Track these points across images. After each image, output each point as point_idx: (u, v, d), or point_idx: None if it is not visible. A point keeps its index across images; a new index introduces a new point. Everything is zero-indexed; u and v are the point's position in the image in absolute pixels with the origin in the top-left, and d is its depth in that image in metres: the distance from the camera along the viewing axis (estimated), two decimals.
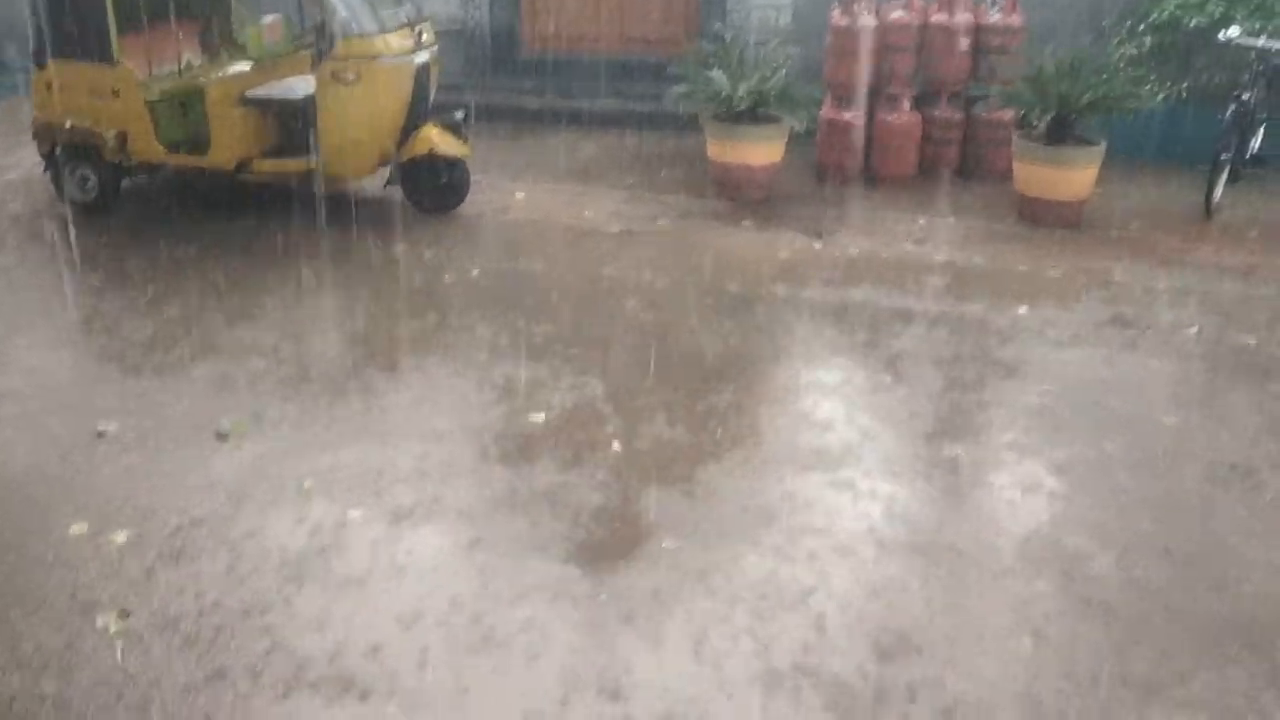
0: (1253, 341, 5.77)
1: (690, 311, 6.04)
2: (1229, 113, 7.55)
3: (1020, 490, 4.35)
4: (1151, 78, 8.13)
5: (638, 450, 4.56)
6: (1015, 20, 8.43)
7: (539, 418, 4.81)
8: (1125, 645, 3.48)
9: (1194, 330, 5.87)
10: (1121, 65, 8.31)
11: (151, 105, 7.25)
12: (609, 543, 3.94)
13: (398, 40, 7.01)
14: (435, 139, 7.28)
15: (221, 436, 4.59)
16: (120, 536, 3.89)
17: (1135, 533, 4.07)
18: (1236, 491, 4.37)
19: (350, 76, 6.81)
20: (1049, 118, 7.57)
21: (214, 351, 5.45)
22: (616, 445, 4.60)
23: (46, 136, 7.43)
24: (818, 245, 7.14)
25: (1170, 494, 4.34)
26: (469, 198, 7.74)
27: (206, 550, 3.81)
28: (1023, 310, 6.08)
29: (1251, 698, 3.28)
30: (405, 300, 6.25)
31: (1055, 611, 3.63)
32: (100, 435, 4.62)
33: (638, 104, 10.17)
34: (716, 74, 8.02)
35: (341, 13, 6.74)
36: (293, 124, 7.40)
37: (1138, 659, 3.42)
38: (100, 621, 3.45)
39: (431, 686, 3.20)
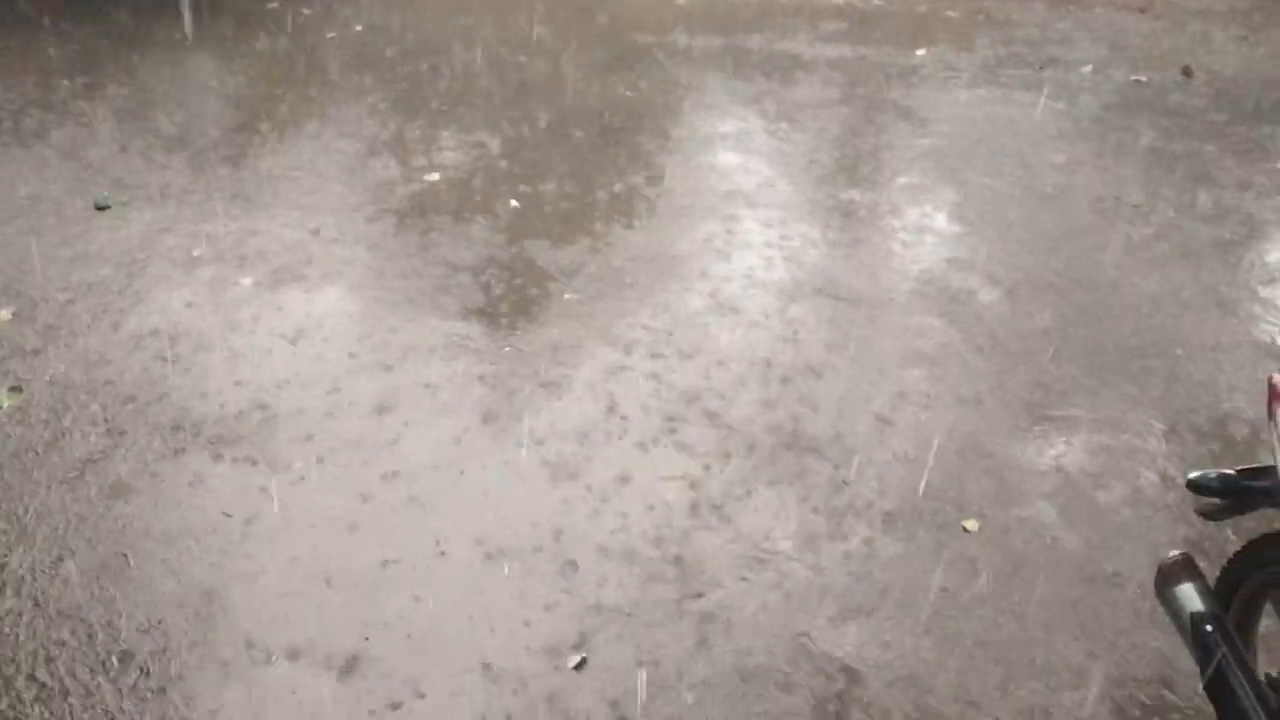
0: (1144, 78, 5.83)
1: (585, 64, 5.86)
2: None
3: (914, 231, 4.42)
4: None
5: (536, 206, 4.51)
6: None
7: (433, 177, 4.70)
8: (1010, 372, 3.64)
9: (1088, 69, 5.89)
10: None
11: None
12: (510, 298, 3.93)
13: None
14: None
15: (101, 208, 4.41)
16: (4, 313, 3.77)
17: (1023, 267, 4.19)
18: (1122, 225, 4.50)
19: None
20: None
21: (83, 121, 5.16)
22: (514, 202, 4.53)
23: None
24: None
25: (1057, 229, 4.46)
26: None
27: (97, 322, 3.72)
28: (920, 53, 6.02)
29: (1125, 415, 3.48)
30: (285, 61, 5.95)
31: (946, 344, 3.76)
32: None
33: None
34: None
35: None
36: None
37: (1022, 384, 3.59)
38: None
39: (335, 442, 3.23)
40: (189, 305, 3.81)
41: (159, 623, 2.64)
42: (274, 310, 3.81)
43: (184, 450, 3.18)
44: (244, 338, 3.66)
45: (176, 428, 3.26)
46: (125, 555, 2.83)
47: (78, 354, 3.57)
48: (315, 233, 4.26)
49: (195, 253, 4.11)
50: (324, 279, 3.98)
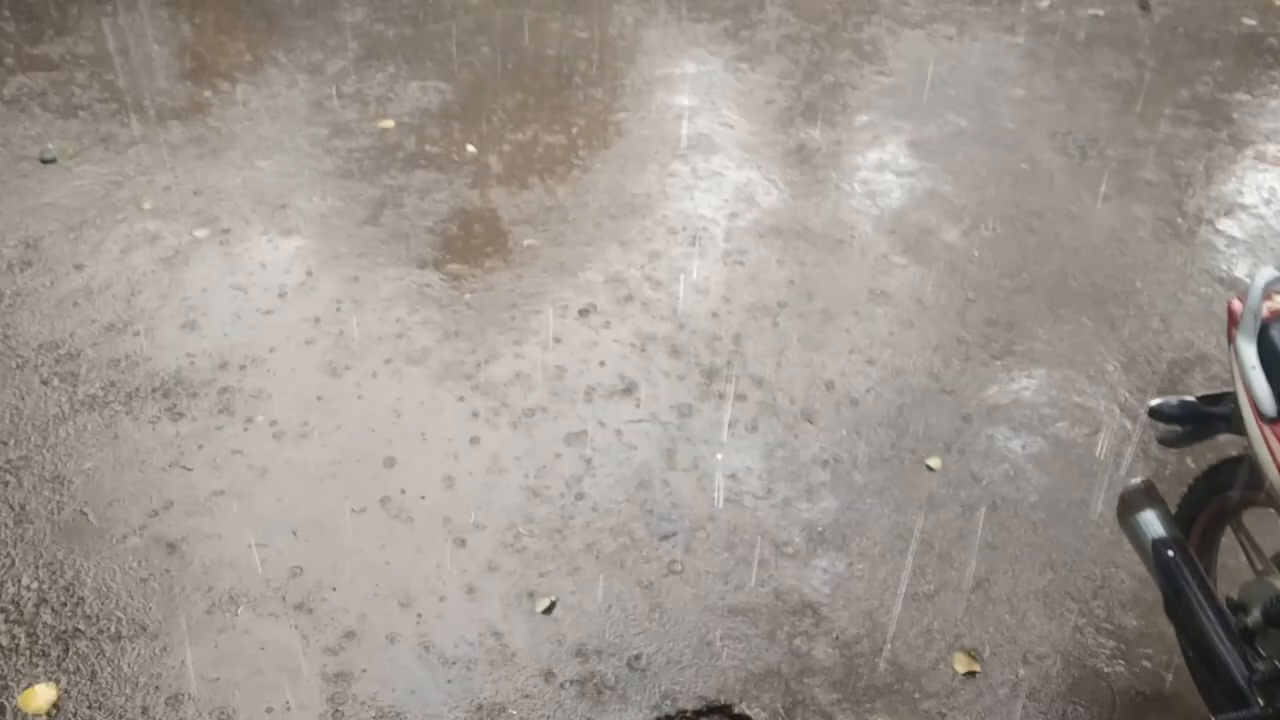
0: (1101, 12, 5.81)
1: (537, 5, 5.76)
2: None
3: (874, 169, 4.40)
4: None
5: (493, 152, 4.44)
6: None
7: (387, 124, 4.61)
8: (971, 308, 3.65)
9: (1045, 3, 5.87)
10: None
11: None
12: (469, 245, 3.89)
13: None
14: None
15: (47, 161, 4.30)
16: None
17: (982, 204, 4.19)
18: (1080, 160, 4.50)
19: None
20: None
21: (23, 70, 5.01)
22: (471, 148, 4.46)
23: None
24: None
25: (1016, 166, 4.45)
26: None
27: (52, 277, 3.63)
28: None
29: (1085, 348, 3.50)
30: (232, 8, 5.80)
31: (907, 281, 3.76)
32: None
33: None
34: None
35: None
36: None
37: (983, 320, 3.60)
38: None
39: (300, 399, 3.19)
40: (144, 257, 3.73)
41: (125, 577, 2.62)
42: (228, 263, 3.74)
43: (147, 407, 3.13)
44: (198, 292, 3.60)
45: (136, 379, 3.21)
46: (85, 513, 2.79)
47: (34, 311, 3.48)
48: (270, 182, 4.18)
49: (146, 205, 4.02)
50: (279, 230, 3.91)
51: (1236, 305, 2.09)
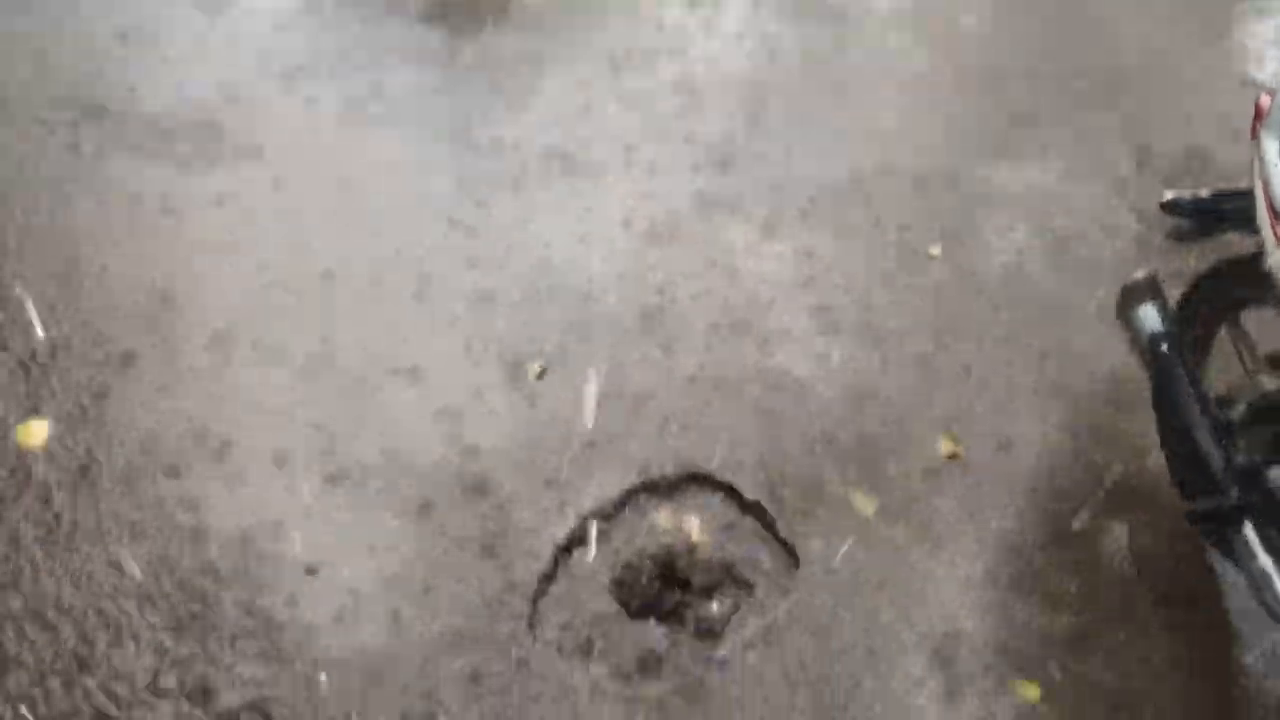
0: None
1: None
2: None
3: None
4: None
5: None
6: None
7: None
8: (985, 98, 3.55)
9: None
10: None
11: None
12: (469, 2, 3.73)
13: None
14: None
15: None
16: None
17: None
18: None
19: None
20: None
21: None
22: None
23: None
24: None
25: None
26: None
27: (46, 19, 3.48)
28: None
29: (1098, 144, 3.43)
30: None
31: (923, 68, 3.64)
32: None
33: None
34: None
35: None
36: None
37: (996, 111, 3.51)
38: None
39: (290, 151, 3.11)
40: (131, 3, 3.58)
41: (120, 321, 2.62)
42: (218, 10, 3.58)
43: (131, 151, 3.06)
44: (190, 37, 3.46)
45: (123, 128, 3.12)
46: (75, 258, 2.76)
47: (18, 49, 3.36)
48: None
49: None
50: None
51: (1265, 101, 2.02)
